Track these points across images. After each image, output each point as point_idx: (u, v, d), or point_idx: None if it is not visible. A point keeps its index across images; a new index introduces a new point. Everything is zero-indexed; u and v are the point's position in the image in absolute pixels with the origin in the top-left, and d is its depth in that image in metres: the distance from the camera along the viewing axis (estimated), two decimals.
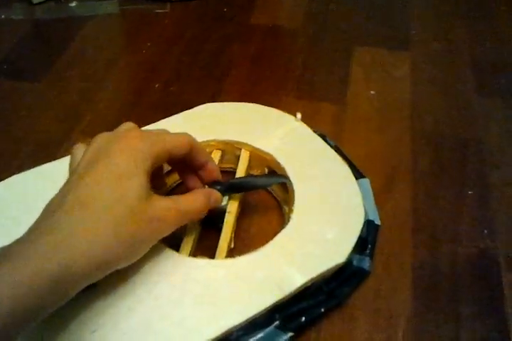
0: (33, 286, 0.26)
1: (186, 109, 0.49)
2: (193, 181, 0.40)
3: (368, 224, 0.42)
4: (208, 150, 0.46)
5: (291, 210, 0.41)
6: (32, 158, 0.49)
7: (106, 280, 0.34)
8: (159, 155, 0.34)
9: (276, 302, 0.35)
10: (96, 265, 0.29)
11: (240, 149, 0.46)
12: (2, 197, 0.41)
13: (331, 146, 0.46)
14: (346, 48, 0.64)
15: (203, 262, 0.37)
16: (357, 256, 0.40)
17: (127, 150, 0.33)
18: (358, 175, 0.45)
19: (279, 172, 0.44)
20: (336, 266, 0.37)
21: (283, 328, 0.35)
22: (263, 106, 0.49)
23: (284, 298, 0.35)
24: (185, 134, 0.37)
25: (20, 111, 0.54)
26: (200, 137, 0.45)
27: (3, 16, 0.66)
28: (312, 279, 0.36)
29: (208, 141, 0.46)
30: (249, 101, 0.50)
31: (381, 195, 0.46)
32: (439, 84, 0.59)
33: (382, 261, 0.41)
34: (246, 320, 0.34)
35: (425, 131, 0.53)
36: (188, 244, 0.39)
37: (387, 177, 0.48)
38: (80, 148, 0.35)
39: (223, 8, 0.70)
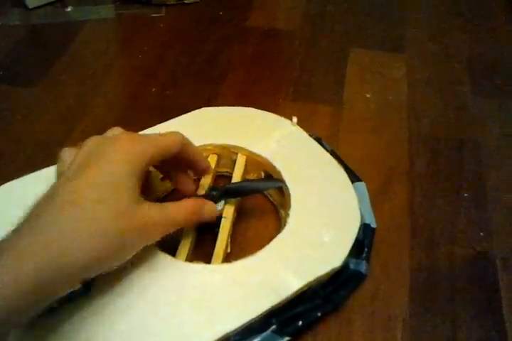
0: (21, 287, 0.26)
1: (183, 113, 0.49)
2: (184, 181, 0.40)
3: (365, 227, 0.42)
4: (204, 154, 0.46)
5: (287, 214, 0.41)
6: (30, 162, 0.49)
7: (102, 286, 0.34)
8: (153, 157, 0.34)
9: (273, 306, 0.35)
10: (86, 264, 0.29)
11: (237, 153, 0.46)
12: (1, 202, 0.41)
13: (327, 150, 0.46)
14: (343, 50, 0.64)
15: (199, 267, 0.37)
16: (353, 260, 0.40)
17: (121, 152, 0.32)
18: (354, 178, 0.45)
19: (275, 177, 0.44)
20: (333, 269, 0.37)
21: (280, 332, 0.35)
22: (259, 110, 0.49)
23: (280, 303, 0.35)
24: (176, 133, 0.37)
25: (16, 116, 0.54)
26: (196, 141, 0.45)
27: None
28: (309, 283, 0.36)
29: (204, 145, 0.46)
30: (245, 104, 0.50)
31: (378, 197, 0.46)
32: (435, 85, 0.59)
33: (379, 263, 0.42)
34: (243, 325, 0.34)
35: (421, 132, 0.53)
36: (184, 249, 0.39)
37: (383, 179, 0.48)
38: (68, 152, 0.35)
39: (219, 11, 0.70)
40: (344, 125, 0.54)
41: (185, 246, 0.39)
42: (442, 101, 0.57)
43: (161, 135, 0.36)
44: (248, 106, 0.50)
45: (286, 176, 0.43)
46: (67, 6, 0.69)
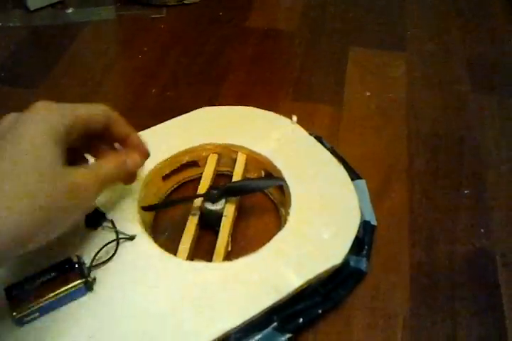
0: None
1: (183, 114, 0.49)
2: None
3: (365, 225, 0.42)
4: (204, 153, 0.46)
5: (287, 212, 0.41)
6: None
7: (102, 285, 0.34)
8: (73, 125, 0.32)
9: (274, 304, 0.35)
10: (12, 239, 0.27)
11: (237, 152, 0.46)
12: None
13: (327, 148, 0.47)
14: (343, 49, 0.64)
15: (200, 265, 0.37)
16: (354, 257, 0.40)
17: (35, 120, 0.31)
18: (354, 176, 0.46)
19: (275, 175, 0.45)
20: (333, 267, 0.37)
21: (281, 329, 0.36)
22: (259, 109, 0.50)
23: (281, 300, 0.35)
24: (101, 105, 0.35)
25: None
26: (196, 141, 0.46)
27: (0, 23, 0.67)
28: (309, 281, 0.36)
29: (204, 144, 0.46)
30: (246, 104, 0.50)
31: (378, 195, 0.46)
32: (434, 84, 0.59)
33: (379, 260, 0.42)
34: (244, 323, 0.34)
35: (421, 130, 0.53)
36: (185, 247, 0.39)
37: (383, 177, 0.48)
38: (10, 116, 0.33)
39: (219, 12, 0.70)
40: (344, 124, 0.54)
41: (186, 245, 0.39)
42: (442, 99, 0.57)
43: (84, 105, 0.34)
44: (249, 106, 0.50)
45: (286, 174, 0.43)
46: (68, 8, 0.70)
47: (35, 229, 0.28)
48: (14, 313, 0.32)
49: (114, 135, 0.36)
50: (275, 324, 0.36)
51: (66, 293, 0.33)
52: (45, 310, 0.33)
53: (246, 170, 0.46)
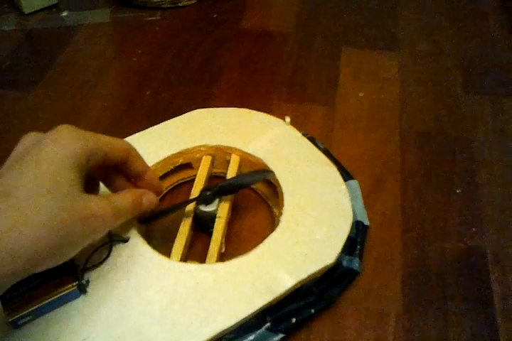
0: None
1: (177, 116, 0.49)
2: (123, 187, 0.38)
3: (357, 224, 0.43)
4: (198, 155, 0.47)
5: (280, 213, 0.41)
6: None
7: (95, 287, 0.34)
8: (93, 153, 0.32)
9: (267, 304, 0.35)
10: (25, 260, 0.27)
11: (230, 154, 0.47)
12: None
13: (320, 149, 0.47)
14: (336, 50, 0.64)
15: (193, 267, 0.37)
16: (346, 257, 0.41)
17: (58, 145, 0.31)
18: (346, 176, 0.46)
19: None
20: (325, 267, 0.38)
21: (274, 330, 0.36)
22: (252, 110, 0.50)
23: (274, 300, 0.36)
24: (123, 140, 0.36)
25: (13, 120, 0.55)
26: (190, 143, 0.46)
27: None
28: (302, 281, 0.37)
29: (198, 146, 0.46)
30: (240, 106, 0.51)
31: (370, 195, 0.46)
32: (427, 84, 0.59)
33: (372, 260, 0.42)
34: (237, 323, 0.34)
35: (413, 130, 0.53)
36: (178, 249, 0.39)
37: (376, 177, 0.49)
38: (30, 137, 0.33)
39: (213, 14, 0.70)
40: (337, 124, 0.54)
41: (179, 246, 0.39)
42: (434, 99, 0.57)
43: (106, 137, 0.35)
44: (242, 108, 0.50)
45: (279, 175, 0.44)
46: (62, 11, 0.70)
47: (49, 252, 0.29)
48: (8, 316, 0.32)
49: (130, 170, 0.37)
50: (268, 324, 0.36)
51: (60, 295, 0.33)
52: (39, 313, 0.33)
53: (239, 171, 0.46)
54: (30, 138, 0.33)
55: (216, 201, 0.42)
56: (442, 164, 0.50)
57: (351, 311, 0.39)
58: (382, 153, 0.51)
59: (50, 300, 0.33)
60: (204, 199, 0.42)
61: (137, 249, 0.38)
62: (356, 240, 0.42)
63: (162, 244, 0.40)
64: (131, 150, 0.36)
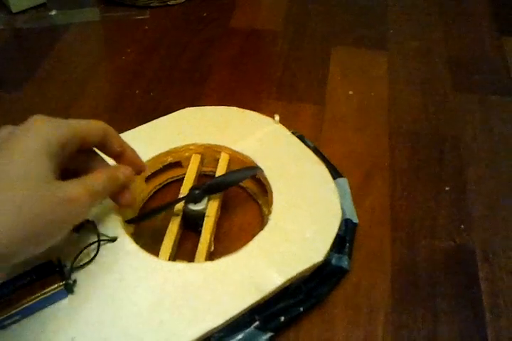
0: None
1: (167, 114, 0.49)
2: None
3: (346, 222, 0.43)
4: (187, 154, 0.47)
5: (269, 211, 0.41)
6: None
7: (83, 287, 0.34)
8: (68, 139, 0.32)
9: (256, 303, 0.35)
10: (10, 244, 0.27)
11: (220, 152, 0.47)
12: None
13: (309, 147, 0.47)
14: (325, 49, 0.64)
15: (181, 266, 0.37)
16: (335, 255, 0.41)
17: (31, 134, 0.31)
18: (336, 174, 0.46)
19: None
20: (314, 265, 0.38)
21: (262, 328, 0.36)
22: (241, 109, 0.50)
23: (262, 299, 0.36)
24: (98, 121, 0.36)
25: (2, 121, 0.54)
26: (179, 141, 0.46)
27: None
28: (291, 279, 0.37)
29: (187, 145, 0.46)
30: (229, 104, 0.51)
31: (360, 192, 0.47)
32: (416, 82, 0.59)
33: (361, 257, 0.42)
34: (225, 322, 0.34)
35: (403, 128, 0.54)
36: (167, 248, 0.39)
37: (365, 175, 0.49)
38: (5, 129, 0.33)
39: (203, 13, 0.70)
40: (327, 123, 0.54)
41: (168, 245, 0.39)
42: (423, 97, 0.57)
43: (80, 121, 0.34)
44: (232, 106, 0.50)
45: (268, 174, 0.44)
46: (51, 10, 0.70)
47: (21, 243, 0.28)
48: None
49: (109, 150, 0.36)
50: (257, 323, 0.36)
51: (46, 295, 0.33)
52: (26, 313, 0.33)
53: (229, 169, 0.46)
54: (6, 130, 0.32)
55: (205, 200, 0.42)
56: (431, 162, 0.50)
57: (340, 309, 0.39)
58: (371, 151, 0.51)
59: (36, 300, 0.33)
60: (193, 197, 0.42)
61: (125, 248, 0.37)
62: (345, 238, 0.42)
63: (151, 243, 0.40)
64: (107, 130, 0.36)
